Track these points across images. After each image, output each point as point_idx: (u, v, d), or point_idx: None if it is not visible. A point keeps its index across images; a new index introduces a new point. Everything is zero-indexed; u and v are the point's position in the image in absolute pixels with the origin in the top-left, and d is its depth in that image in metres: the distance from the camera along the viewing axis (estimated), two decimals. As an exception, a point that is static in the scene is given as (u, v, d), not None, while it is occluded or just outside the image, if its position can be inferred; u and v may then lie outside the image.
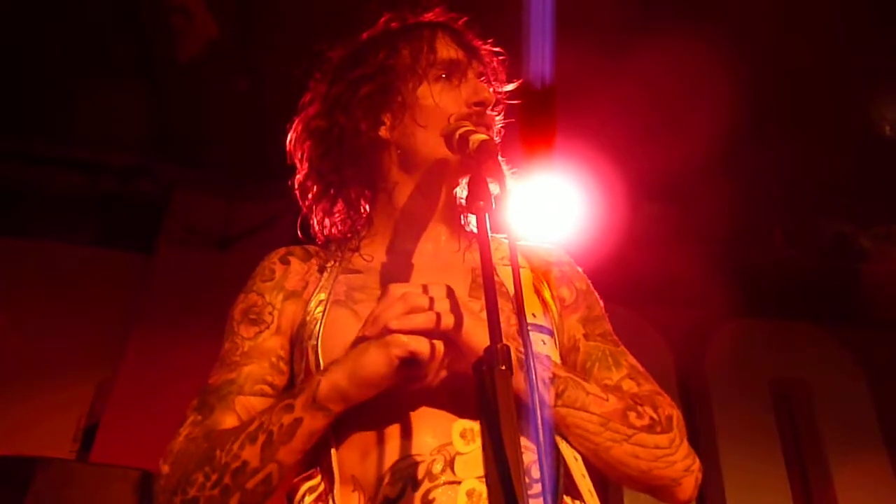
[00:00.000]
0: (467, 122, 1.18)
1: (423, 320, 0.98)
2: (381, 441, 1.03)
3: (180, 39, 3.02)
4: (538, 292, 1.24)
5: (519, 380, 0.93)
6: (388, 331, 0.97)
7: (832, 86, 3.35)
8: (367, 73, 1.29)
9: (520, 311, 0.83)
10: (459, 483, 0.98)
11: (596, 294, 1.32)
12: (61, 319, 3.48)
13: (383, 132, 1.27)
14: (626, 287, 3.32)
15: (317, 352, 1.10)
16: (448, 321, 0.98)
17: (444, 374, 1.00)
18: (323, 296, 1.18)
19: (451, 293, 1.03)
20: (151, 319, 3.47)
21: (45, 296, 3.50)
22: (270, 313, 1.20)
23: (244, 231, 3.58)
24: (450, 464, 0.99)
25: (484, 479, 0.95)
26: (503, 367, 0.80)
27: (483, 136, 1.07)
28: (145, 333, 3.43)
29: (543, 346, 1.15)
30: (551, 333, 1.19)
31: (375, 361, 0.97)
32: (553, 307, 1.24)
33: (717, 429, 3.73)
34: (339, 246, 1.30)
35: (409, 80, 1.26)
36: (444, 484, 0.98)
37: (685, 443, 1.12)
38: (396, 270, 1.22)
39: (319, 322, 1.13)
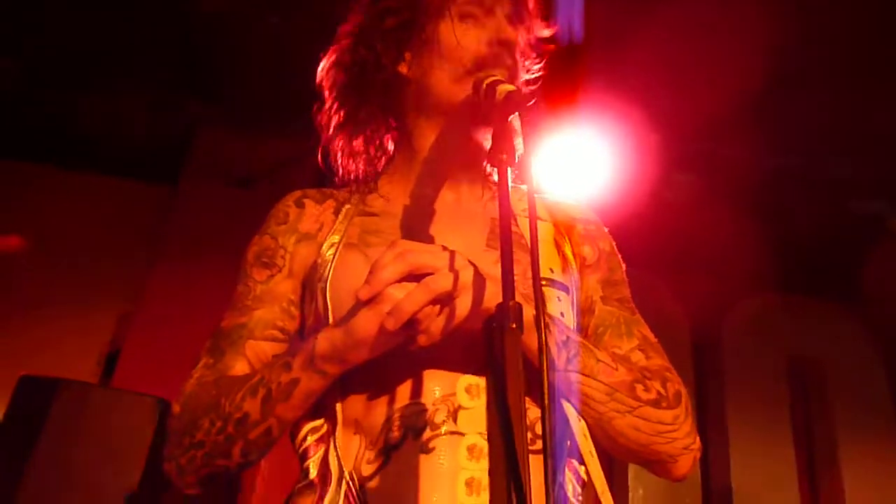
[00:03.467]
0: (486, 64, 1.14)
1: (421, 292, 0.90)
2: (385, 389, 1.03)
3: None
4: (559, 247, 1.21)
5: (531, 339, 0.91)
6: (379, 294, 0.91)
7: (875, 53, 3.19)
8: (392, 6, 1.25)
9: (534, 268, 0.80)
10: (462, 435, 0.98)
11: (619, 257, 1.29)
12: (87, 246, 3.53)
13: (403, 68, 1.24)
14: (648, 250, 3.27)
15: (325, 294, 1.09)
16: (452, 282, 0.92)
17: (448, 331, 0.93)
18: (336, 238, 1.16)
19: (457, 256, 0.96)
20: (173, 253, 3.51)
21: (71, 223, 3.55)
22: (283, 257, 1.18)
23: (267, 169, 3.58)
24: (452, 414, 0.99)
25: (486, 435, 0.97)
26: (513, 326, 0.79)
27: (510, 87, 1.02)
28: (167, 266, 3.48)
29: (559, 302, 1.12)
30: (567, 290, 1.16)
31: (366, 325, 0.92)
32: (573, 264, 1.21)
33: (728, 400, 3.71)
34: (357, 188, 1.28)
35: (434, 15, 1.21)
36: (446, 434, 0.98)
37: (689, 420, 1.10)
38: (413, 215, 1.20)
39: (330, 264, 1.12)
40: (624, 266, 1.29)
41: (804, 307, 4.04)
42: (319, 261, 1.14)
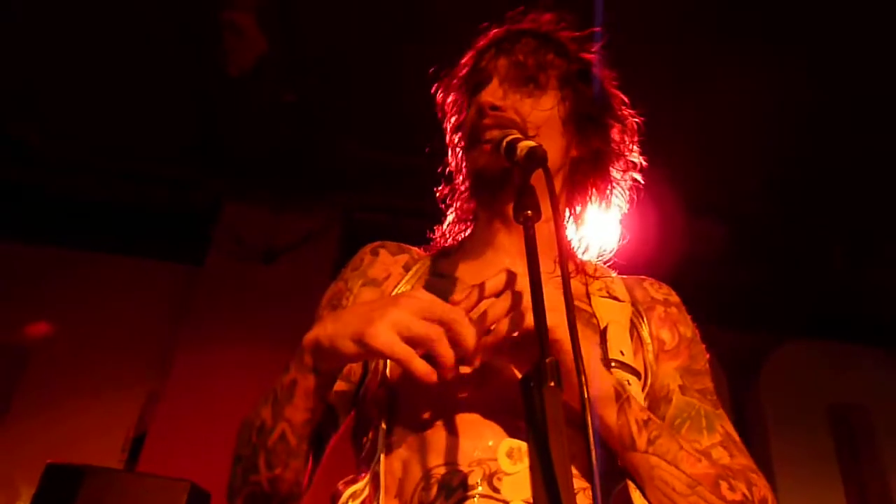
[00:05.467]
0: (474, 135, 1.17)
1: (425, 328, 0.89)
2: (425, 449, 1.01)
3: (231, 54, 3.07)
4: (636, 329, 1.16)
5: (611, 413, 0.92)
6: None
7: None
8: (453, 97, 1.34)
9: (572, 327, 0.78)
10: (506, 502, 0.93)
11: (702, 346, 1.21)
12: (112, 330, 3.53)
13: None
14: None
15: None
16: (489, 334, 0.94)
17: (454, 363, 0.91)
18: (402, 290, 1.16)
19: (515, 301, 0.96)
20: (199, 331, 3.50)
21: (96, 306, 3.57)
22: (347, 297, 1.21)
23: (289, 244, 3.59)
24: (487, 478, 0.95)
25: (531, 502, 0.91)
26: (552, 384, 0.75)
27: (531, 143, 1.00)
28: (193, 345, 3.46)
29: (628, 386, 1.06)
30: (638, 376, 1.10)
31: (383, 337, 0.88)
32: (649, 347, 1.15)
33: (773, 452, 3.61)
34: (435, 252, 1.31)
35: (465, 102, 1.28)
36: (479, 497, 0.94)
37: None
38: (478, 282, 1.18)
39: None
40: (707, 356, 1.21)
41: (842, 354, 3.94)
42: None
